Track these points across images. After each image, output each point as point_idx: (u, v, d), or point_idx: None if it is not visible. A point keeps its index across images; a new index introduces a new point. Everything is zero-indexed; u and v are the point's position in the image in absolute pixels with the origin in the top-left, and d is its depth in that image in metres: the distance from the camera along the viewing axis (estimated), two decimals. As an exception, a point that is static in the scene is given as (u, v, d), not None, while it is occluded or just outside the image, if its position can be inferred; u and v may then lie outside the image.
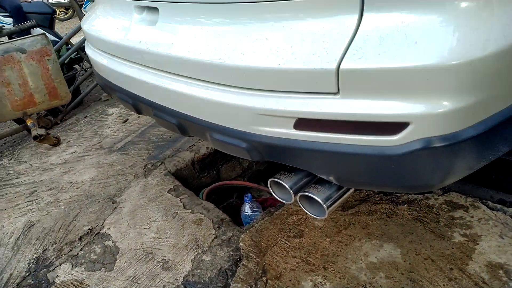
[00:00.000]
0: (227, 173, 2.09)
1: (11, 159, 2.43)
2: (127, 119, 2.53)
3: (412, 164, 0.79)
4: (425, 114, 0.73)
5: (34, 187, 2.04)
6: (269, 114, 0.88)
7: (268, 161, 1.00)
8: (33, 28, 2.42)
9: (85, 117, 2.76)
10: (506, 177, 1.33)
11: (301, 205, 1.05)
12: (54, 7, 4.36)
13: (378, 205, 1.38)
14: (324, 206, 0.95)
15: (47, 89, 2.41)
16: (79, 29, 2.89)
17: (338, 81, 0.76)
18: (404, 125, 0.75)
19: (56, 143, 2.44)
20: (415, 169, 0.81)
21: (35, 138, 2.34)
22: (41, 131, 2.36)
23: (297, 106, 0.83)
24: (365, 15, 0.74)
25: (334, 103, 0.79)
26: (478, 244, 1.15)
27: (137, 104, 1.32)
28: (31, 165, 2.28)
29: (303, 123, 0.85)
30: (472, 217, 1.25)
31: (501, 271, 1.06)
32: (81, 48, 2.85)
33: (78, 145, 2.38)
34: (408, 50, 0.71)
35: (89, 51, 1.60)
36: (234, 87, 0.93)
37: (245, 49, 0.89)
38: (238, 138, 0.98)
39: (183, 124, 1.14)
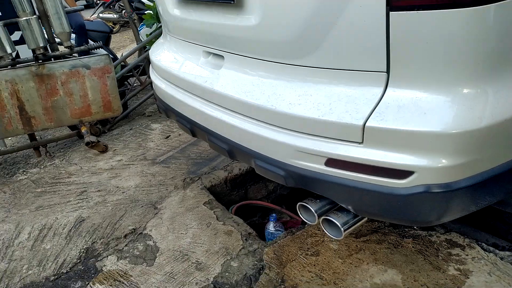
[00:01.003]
0: (253, 194, 2.33)
1: (62, 160, 2.73)
2: (169, 135, 2.82)
3: (415, 203, 1.02)
4: (427, 166, 0.96)
5: (84, 187, 2.32)
6: (306, 152, 1.13)
7: (293, 187, 1.24)
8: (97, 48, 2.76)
9: (130, 129, 3.06)
10: (500, 224, 1.53)
11: (322, 227, 1.28)
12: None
13: (387, 236, 1.59)
14: (342, 229, 1.18)
15: (103, 102, 2.73)
16: (134, 51, 3.24)
17: (363, 135, 1.01)
18: (410, 173, 0.98)
19: (104, 150, 2.74)
20: (417, 208, 1.03)
21: (87, 144, 2.64)
22: (93, 138, 2.67)
23: (330, 148, 1.07)
24: (388, 89, 0.99)
25: (358, 150, 1.03)
26: (469, 278, 1.34)
27: (194, 128, 1.59)
28: (81, 168, 2.57)
29: (332, 162, 1.09)
30: (467, 255, 1.45)
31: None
32: (134, 68, 3.19)
33: (123, 154, 2.66)
34: (418, 118, 0.95)
35: (155, 78, 1.89)
36: (280, 127, 1.18)
37: (292, 100, 1.14)
38: (277, 166, 1.23)
39: (233, 150, 1.40)
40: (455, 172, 0.98)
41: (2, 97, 2.52)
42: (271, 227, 1.83)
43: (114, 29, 8.91)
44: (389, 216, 1.11)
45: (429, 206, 1.02)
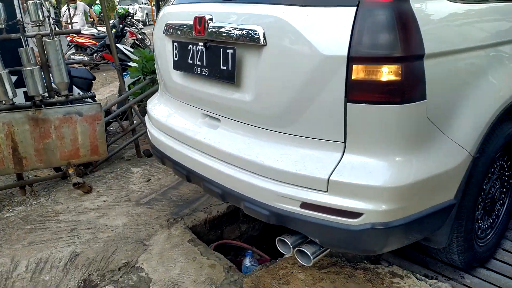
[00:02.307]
0: (228, 234, 2.66)
1: (48, 199, 2.93)
2: (150, 179, 3.12)
3: (364, 236, 1.43)
4: (372, 210, 1.39)
5: (74, 225, 2.55)
6: (286, 197, 1.52)
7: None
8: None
9: (112, 172, 3.33)
10: (428, 258, 1.97)
11: (295, 255, 1.65)
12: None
13: (343, 268, 1.97)
14: (311, 257, 1.56)
15: (91, 146, 3.02)
16: (120, 100, 3.59)
17: (328, 185, 1.42)
18: (360, 214, 1.40)
19: (89, 191, 2.98)
20: (366, 240, 1.44)
21: (74, 184, 2.89)
22: (80, 180, 2.92)
23: (304, 195, 1.47)
24: (345, 154, 1.42)
25: (324, 196, 1.44)
26: (405, 300, 1.74)
27: (190, 175, 1.95)
28: (67, 207, 2.80)
29: (305, 205, 1.49)
30: (405, 283, 1.86)
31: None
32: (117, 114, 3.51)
33: (108, 195, 2.92)
34: (365, 176, 1.38)
35: (151, 129, 2.25)
36: (266, 177, 1.58)
37: (276, 157, 1.55)
38: (262, 207, 1.61)
39: (225, 194, 1.76)
40: (391, 214, 1.41)
41: (-3, 138, 2.75)
42: (247, 261, 2.16)
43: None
44: (346, 246, 1.52)
45: (374, 238, 1.44)
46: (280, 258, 2.08)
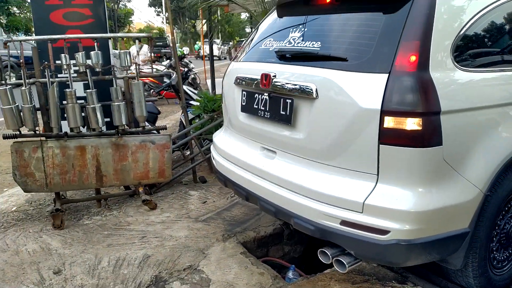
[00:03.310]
0: (273, 253, 3.07)
1: (119, 212, 3.49)
2: (206, 201, 3.62)
3: (390, 250, 1.82)
4: (398, 229, 1.78)
5: (143, 234, 3.05)
6: (329, 215, 1.95)
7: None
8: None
9: (172, 193, 3.86)
10: (451, 284, 2.29)
11: (334, 263, 2.05)
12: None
13: (373, 285, 2.32)
14: (347, 265, 1.96)
15: (159, 169, 3.57)
16: (183, 133, 4.18)
17: (363, 208, 1.84)
18: (388, 232, 1.80)
19: (154, 207, 3.51)
20: (391, 253, 1.83)
21: (143, 201, 3.43)
22: (148, 197, 3.46)
23: (343, 214, 1.90)
24: (378, 183, 1.85)
25: (360, 216, 1.85)
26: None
27: (248, 195, 2.42)
28: (137, 219, 3.33)
29: (344, 222, 1.90)
30: (427, 301, 2.19)
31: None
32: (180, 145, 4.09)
33: (170, 212, 3.44)
34: (393, 201, 1.79)
35: (217, 156, 2.76)
36: (312, 199, 2.02)
37: (322, 183, 2.00)
38: (309, 223, 2.03)
39: (278, 212, 2.21)
40: (413, 233, 1.80)
41: (86, 158, 3.37)
42: (290, 274, 2.57)
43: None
44: (375, 258, 1.91)
45: (399, 252, 1.82)
46: (320, 273, 2.47)
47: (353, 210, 1.88)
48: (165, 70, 8.31)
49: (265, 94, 2.31)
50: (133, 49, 8.83)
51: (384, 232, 1.82)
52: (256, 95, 2.39)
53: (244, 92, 2.52)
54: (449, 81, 1.84)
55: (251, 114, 2.49)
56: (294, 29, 2.37)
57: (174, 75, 4.97)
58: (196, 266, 2.58)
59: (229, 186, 2.66)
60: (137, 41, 3.90)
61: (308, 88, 2.05)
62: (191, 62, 10.96)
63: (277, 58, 2.38)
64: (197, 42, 21.90)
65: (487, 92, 2.02)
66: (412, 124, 1.75)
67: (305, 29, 2.31)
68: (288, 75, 2.21)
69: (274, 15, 2.68)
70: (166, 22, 42.62)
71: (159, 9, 42.74)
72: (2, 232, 3.21)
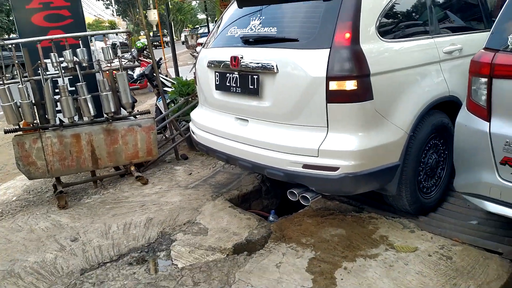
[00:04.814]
0: (254, 207, 3.78)
1: (115, 190, 4.09)
2: (191, 173, 4.27)
3: (341, 182, 2.54)
4: (345, 165, 2.51)
5: (142, 203, 3.68)
6: (294, 162, 2.65)
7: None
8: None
9: (159, 170, 4.49)
10: (397, 210, 3.07)
11: (300, 199, 2.76)
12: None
13: (337, 216, 3.08)
14: (310, 199, 2.68)
15: (147, 149, 4.18)
16: (163, 116, 4.77)
17: (318, 152, 2.55)
18: (338, 168, 2.52)
19: (146, 182, 4.12)
20: (342, 184, 2.56)
21: (137, 177, 4.04)
22: (140, 173, 4.08)
23: (304, 159, 2.61)
24: (328, 133, 2.56)
25: (317, 159, 2.57)
26: (378, 229, 2.84)
27: (228, 158, 3.09)
28: (133, 193, 3.94)
29: (305, 166, 2.61)
30: (379, 221, 2.95)
31: (385, 244, 2.73)
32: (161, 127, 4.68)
33: (161, 184, 4.07)
34: (341, 145, 2.51)
35: (196, 130, 3.41)
36: (280, 151, 2.71)
37: (287, 139, 2.69)
38: (279, 171, 2.73)
39: (254, 167, 2.90)
40: (357, 167, 2.53)
41: (81, 144, 3.93)
42: (271, 217, 3.31)
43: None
44: (331, 190, 2.66)
45: (348, 183, 2.56)
46: (295, 213, 3.20)
47: (311, 155, 2.59)
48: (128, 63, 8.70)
49: (235, 73, 2.96)
50: (97, 45, 9.19)
51: (335, 169, 2.54)
52: (228, 74, 3.03)
53: (217, 73, 3.16)
54: (375, 51, 2.56)
55: (224, 91, 3.14)
56: (254, 18, 3.02)
57: (148, 65, 5.51)
58: (193, 220, 3.25)
59: (211, 153, 3.33)
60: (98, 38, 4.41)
61: (270, 65, 2.71)
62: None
63: (242, 42, 3.02)
64: (139, 38, 21.76)
65: (405, 57, 2.75)
66: (350, 85, 2.46)
67: (263, 17, 2.97)
68: (253, 56, 2.86)
69: (234, 5, 3.31)
70: (117, 14, 42.18)
71: (108, 1, 42.08)
72: (11, 218, 3.75)
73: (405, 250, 2.60)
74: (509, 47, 2.12)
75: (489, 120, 2.26)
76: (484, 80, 2.23)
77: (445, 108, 2.96)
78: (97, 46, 9.29)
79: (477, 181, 2.39)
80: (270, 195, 3.87)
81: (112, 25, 35.23)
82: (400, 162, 2.71)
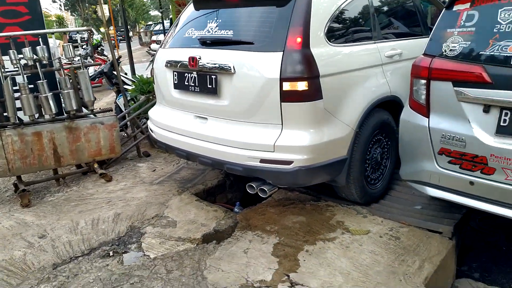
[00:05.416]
0: (219, 200, 4.00)
1: (79, 187, 4.16)
2: (155, 169, 4.42)
3: (296, 175, 2.84)
4: (298, 159, 2.81)
5: (108, 200, 3.80)
6: (251, 157, 2.90)
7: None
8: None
9: (122, 167, 4.59)
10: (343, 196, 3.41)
11: (258, 192, 3.03)
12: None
13: (297, 205, 3.37)
14: (267, 191, 2.97)
15: (110, 146, 4.28)
16: (124, 114, 4.86)
17: (274, 148, 2.83)
18: (292, 162, 2.81)
19: (110, 179, 4.22)
20: (297, 177, 2.85)
21: (101, 174, 4.14)
22: (104, 171, 4.17)
23: (261, 155, 2.87)
24: (283, 130, 2.84)
25: (273, 154, 2.84)
26: (335, 215, 3.16)
27: (189, 155, 3.30)
28: (97, 190, 4.04)
29: (263, 160, 2.87)
30: (335, 209, 3.28)
31: (342, 228, 3.05)
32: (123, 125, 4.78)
33: (126, 181, 4.19)
34: (294, 140, 2.80)
35: (155, 128, 3.58)
36: (238, 147, 2.95)
37: (244, 135, 2.94)
38: (238, 166, 2.98)
39: (214, 163, 3.14)
40: (309, 161, 2.82)
41: (43, 142, 3.97)
42: (236, 208, 3.55)
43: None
44: (286, 182, 2.97)
45: (301, 176, 2.85)
46: (259, 203, 3.46)
47: (268, 150, 2.86)
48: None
49: (193, 73, 3.16)
50: (51, 42, 8.96)
51: (289, 162, 2.82)
52: (186, 74, 3.23)
53: (175, 73, 3.35)
54: (325, 54, 2.86)
55: (183, 90, 3.33)
56: (211, 20, 3.24)
57: (107, 63, 5.55)
58: (161, 214, 3.43)
59: (170, 151, 3.52)
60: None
61: (227, 66, 2.95)
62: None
63: (200, 44, 3.24)
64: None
65: (351, 60, 3.09)
66: (302, 86, 2.75)
67: (220, 20, 3.19)
68: (211, 57, 3.08)
69: (191, 7, 3.50)
70: (65, 9, 40.56)
71: (54, -5, 40.47)
72: (-30, 219, 3.72)
73: (359, 233, 2.94)
74: (443, 53, 2.50)
75: (428, 116, 2.64)
76: (423, 81, 2.59)
77: (387, 106, 3.34)
78: (50, 43, 9.09)
79: (419, 169, 2.77)
80: (233, 188, 4.11)
81: (60, 20, 33.91)
82: (348, 156, 3.03)
